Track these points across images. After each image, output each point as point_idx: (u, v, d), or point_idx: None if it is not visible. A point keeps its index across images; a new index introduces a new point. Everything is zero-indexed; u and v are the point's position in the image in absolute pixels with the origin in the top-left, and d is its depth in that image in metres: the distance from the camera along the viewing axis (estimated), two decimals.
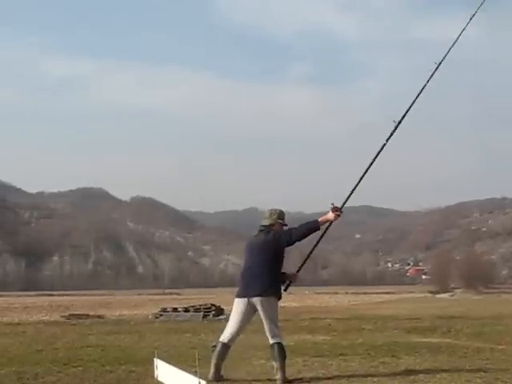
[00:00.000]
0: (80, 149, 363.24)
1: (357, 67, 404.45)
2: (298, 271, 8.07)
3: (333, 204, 7.71)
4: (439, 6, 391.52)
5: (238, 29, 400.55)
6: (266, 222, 7.82)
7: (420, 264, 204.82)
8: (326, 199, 7.74)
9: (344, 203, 7.85)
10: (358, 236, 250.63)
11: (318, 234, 7.83)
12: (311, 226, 7.61)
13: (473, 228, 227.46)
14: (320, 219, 7.68)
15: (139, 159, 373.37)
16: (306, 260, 8.14)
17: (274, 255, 7.63)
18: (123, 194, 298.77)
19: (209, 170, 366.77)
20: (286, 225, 7.86)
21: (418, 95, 8.28)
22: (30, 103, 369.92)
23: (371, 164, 7.97)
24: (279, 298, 7.68)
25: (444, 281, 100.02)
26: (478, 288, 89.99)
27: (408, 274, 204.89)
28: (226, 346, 7.62)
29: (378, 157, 8.00)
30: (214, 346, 7.78)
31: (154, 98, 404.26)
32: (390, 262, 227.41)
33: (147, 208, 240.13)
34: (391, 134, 8.08)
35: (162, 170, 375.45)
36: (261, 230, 7.82)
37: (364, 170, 7.97)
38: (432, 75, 8.32)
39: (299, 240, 7.58)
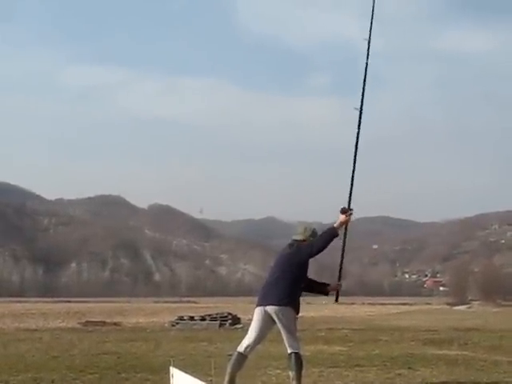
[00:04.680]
0: (99, 156, 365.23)
1: (376, 79, 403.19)
2: (339, 280, 8.05)
3: (342, 208, 7.74)
4: (461, 18, 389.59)
5: (258, 40, 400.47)
6: (298, 237, 7.74)
7: (438, 275, 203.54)
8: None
9: (349, 202, 7.89)
10: (375, 246, 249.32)
11: (340, 241, 7.84)
12: (330, 233, 7.58)
13: (491, 240, 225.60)
14: (335, 224, 7.68)
15: (158, 167, 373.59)
16: (341, 268, 8.14)
17: (294, 267, 7.55)
18: (141, 201, 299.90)
19: (227, 179, 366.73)
20: None
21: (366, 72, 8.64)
22: (51, 112, 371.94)
23: (355, 154, 8.10)
24: (296, 310, 7.57)
25: (462, 293, 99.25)
26: (496, 300, 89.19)
27: (425, 286, 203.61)
28: (242, 356, 7.49)
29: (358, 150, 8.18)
30: (230, 355, 7.75)
31: (174, 107, 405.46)
32: (407, 272, 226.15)
33: (165, 216, 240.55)
34: (359, 122, 8.30)
35: (181, 179, 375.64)
36: (290, 244, 7.77)
37: (352, 162, 8.10)
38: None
39: (321, 250, 7.51)
